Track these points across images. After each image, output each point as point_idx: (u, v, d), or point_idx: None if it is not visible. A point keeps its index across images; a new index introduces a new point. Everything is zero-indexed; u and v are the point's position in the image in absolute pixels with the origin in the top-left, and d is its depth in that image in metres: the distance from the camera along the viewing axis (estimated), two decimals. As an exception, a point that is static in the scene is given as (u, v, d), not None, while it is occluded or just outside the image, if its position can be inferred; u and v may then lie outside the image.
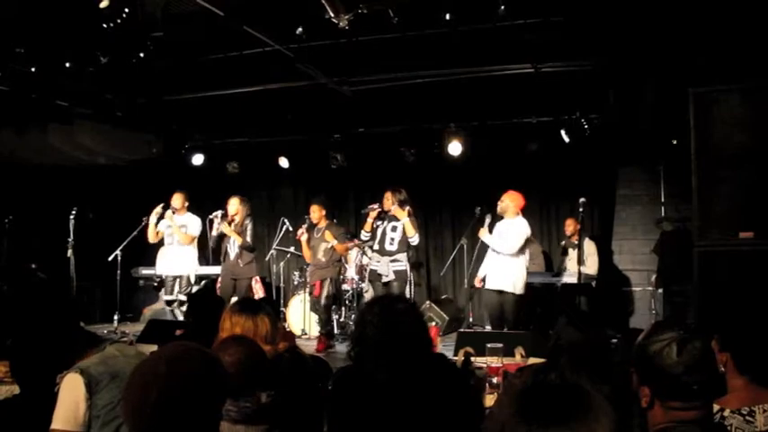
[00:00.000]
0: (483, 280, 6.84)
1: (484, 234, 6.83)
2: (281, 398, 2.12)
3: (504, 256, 6.55)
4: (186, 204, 7.71)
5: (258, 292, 8.06)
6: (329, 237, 7.31)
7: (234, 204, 7.38)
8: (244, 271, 7.35)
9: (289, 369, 2.47)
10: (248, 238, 7.31)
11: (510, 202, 6.62)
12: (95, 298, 9.14)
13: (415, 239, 6.76)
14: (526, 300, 6.89)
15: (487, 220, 6.88)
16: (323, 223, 7.48)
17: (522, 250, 6.60)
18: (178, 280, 7.70)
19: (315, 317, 7.89)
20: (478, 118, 8.23)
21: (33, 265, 8.12)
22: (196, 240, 7.75)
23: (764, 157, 4.24)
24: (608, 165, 8.57)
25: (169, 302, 7.75)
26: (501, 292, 6.51)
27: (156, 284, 8.07)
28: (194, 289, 7.85)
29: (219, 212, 7.40)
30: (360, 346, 2.31)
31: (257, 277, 7.91)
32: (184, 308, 7.60)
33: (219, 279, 7.81)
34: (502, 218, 6.75)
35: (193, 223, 7.70)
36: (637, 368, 1.75)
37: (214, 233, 7.40)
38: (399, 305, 2.35)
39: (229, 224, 7.32)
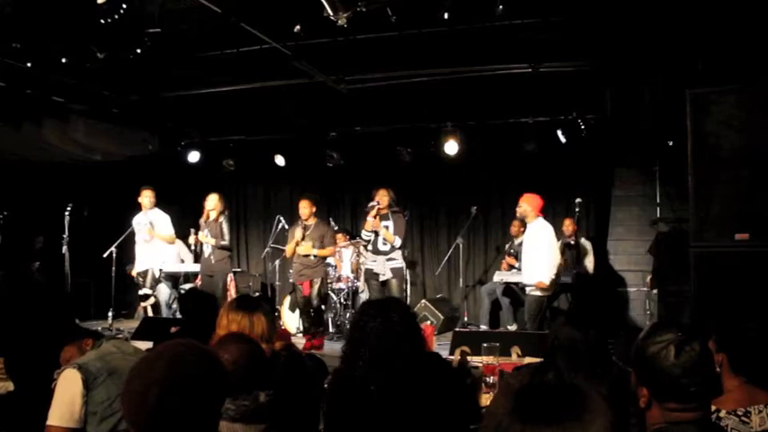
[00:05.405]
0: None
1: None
2: (280, 397, 2.12)
3: (534, 259, 6.41)
4: (154, 201, 7.78)
5: (231, 290, 7.91)
6: (308, 249, 7.14)
7: (213, 200, 7.42)
8: (217, 267, 7.38)
9: (287, 368, 2.46)
10: (225, 238, 7.40)
11: (528, 205, 6.42)
12: (90, 294, 9.11)
13: (397, 243, 6.86)
14: (551, 299, 6.84)
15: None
16: (311, 221, 7.26)
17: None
18: (147, 272, 7.75)
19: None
20: (475, 117, 8.23)
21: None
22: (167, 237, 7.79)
23: (760, 158, 4.24)
24: (604, 165, 8.56)
25: (143, 297, 7.79)
26: (528, 293, 6.45)
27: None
28: (160, 285, 7.86)
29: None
30: (355, 347, 2.33)
31: (231, 275, 7.89)
32: (150, 301, 7.65)
33: (199, 276, 7.86)
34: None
35: (164, 221, 7.75)
36: (635, 369, 1.75)
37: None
38: (394, 307, 2.39)
39: (206, 220, 7.41)
